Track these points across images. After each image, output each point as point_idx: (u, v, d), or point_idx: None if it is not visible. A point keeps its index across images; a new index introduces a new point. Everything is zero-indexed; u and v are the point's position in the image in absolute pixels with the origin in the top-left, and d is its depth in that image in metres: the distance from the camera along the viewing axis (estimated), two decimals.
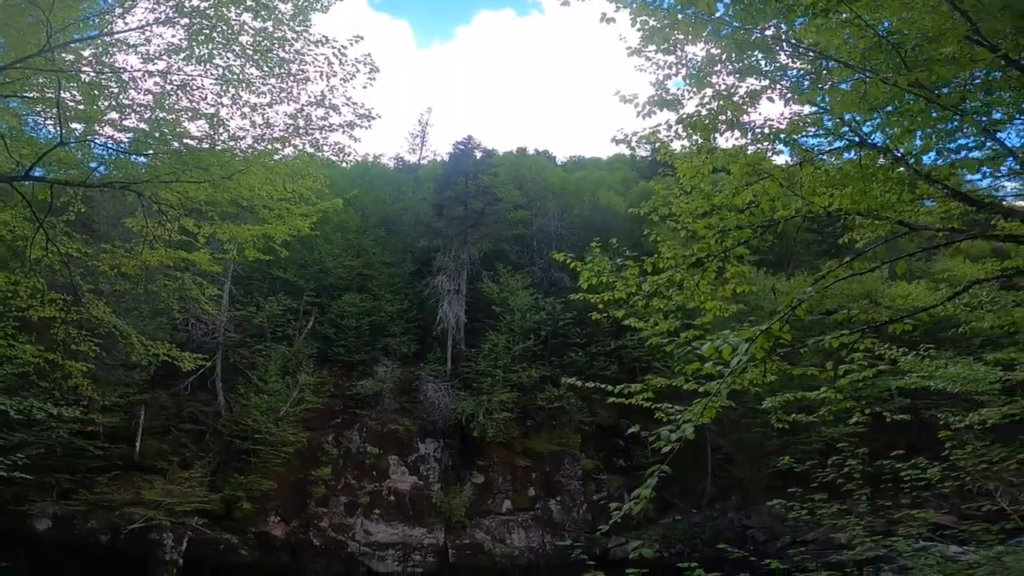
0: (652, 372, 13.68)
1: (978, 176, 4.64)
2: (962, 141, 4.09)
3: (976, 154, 4.14)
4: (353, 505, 18.17)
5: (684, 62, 4.19)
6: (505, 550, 18.36)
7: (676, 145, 4.77)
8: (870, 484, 5.17)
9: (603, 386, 4.00)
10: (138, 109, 6.32)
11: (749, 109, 4.21)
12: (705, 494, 19.82)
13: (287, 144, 7.09)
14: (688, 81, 4.19)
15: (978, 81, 3.76)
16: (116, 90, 6.05)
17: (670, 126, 4.38)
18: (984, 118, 3.73)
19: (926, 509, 5.58)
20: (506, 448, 19.99)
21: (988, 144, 4.03)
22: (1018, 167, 4.33)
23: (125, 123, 6.51)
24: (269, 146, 7.02)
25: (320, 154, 7.37)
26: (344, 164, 8.52)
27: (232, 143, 6.82)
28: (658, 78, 4.24)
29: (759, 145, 4.58)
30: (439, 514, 18.30)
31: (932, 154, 4.18)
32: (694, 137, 4.52)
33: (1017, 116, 3.98)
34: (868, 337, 3.59)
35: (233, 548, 16.43)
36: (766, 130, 4.37)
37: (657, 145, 4.79)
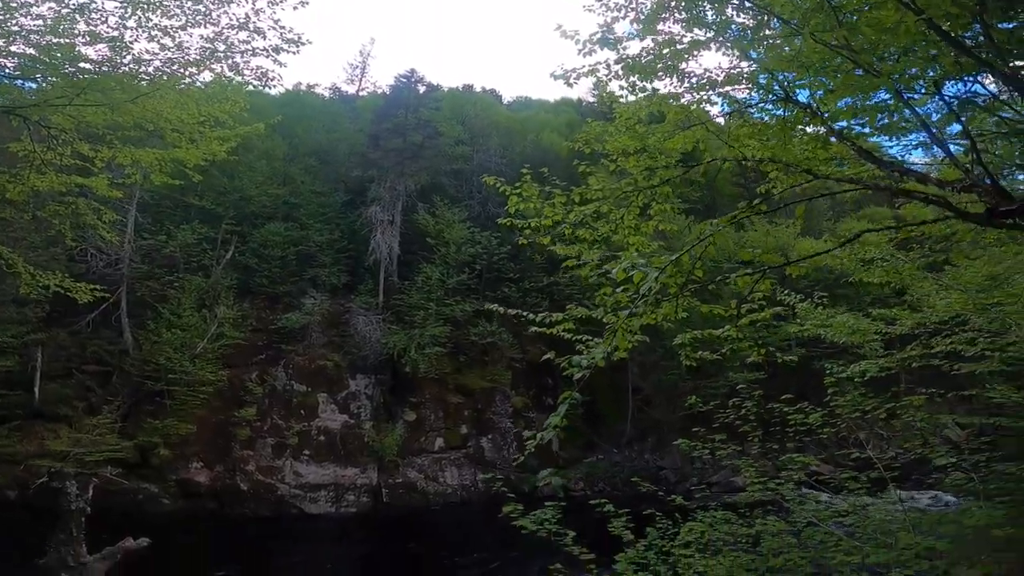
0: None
1: (891, 143, 5.15)
2: (879, 99, 4.52)
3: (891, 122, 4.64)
4: (281, 446, 18.05)
5: (634, 6, 4.30)
6: (438, 488, 19.00)
7: (615, 85, 4.91)
8: (763, 427, 5.74)
9: (525, 314, 4.21)
10: (27, 35, 5.78)
11: (689, 58, 4.42)
12: (625, 435, 21.47)
13: (203, 68, 6.73)
14: (636, 25, 4.31)
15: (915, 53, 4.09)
16: (1, 16, 5.49)
17: (609, 66, 4.49)
18: (902, 85, 4.10)
19: (807, 454, 6.28)
20: (439, 384, 20.41)
21: (907, 113, 4.46)
22: (928, 138, 4.78)
23: (12, 49, 5.96)
24: (181, 70, 6.65)
25: (240, 79, 7.06)
26: (270, 91, 8.18)
27: (137, 67, 6.40)
28: (606, 20, 4.31)
29: (695, 94, 4.84)
30: (371, 453, 18.57)
31: (853, 121, 4.63)
32: (632, 78, 4.71)
33: (937, 93, 4.36)
34: (769, 278, 4.01)
35: (153, 497, 16.06)
36: (704, 80, 4.62)
37: (595, 82, 4.92)
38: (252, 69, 6.82)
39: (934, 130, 4.48)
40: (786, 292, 6.67)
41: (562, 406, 2.60)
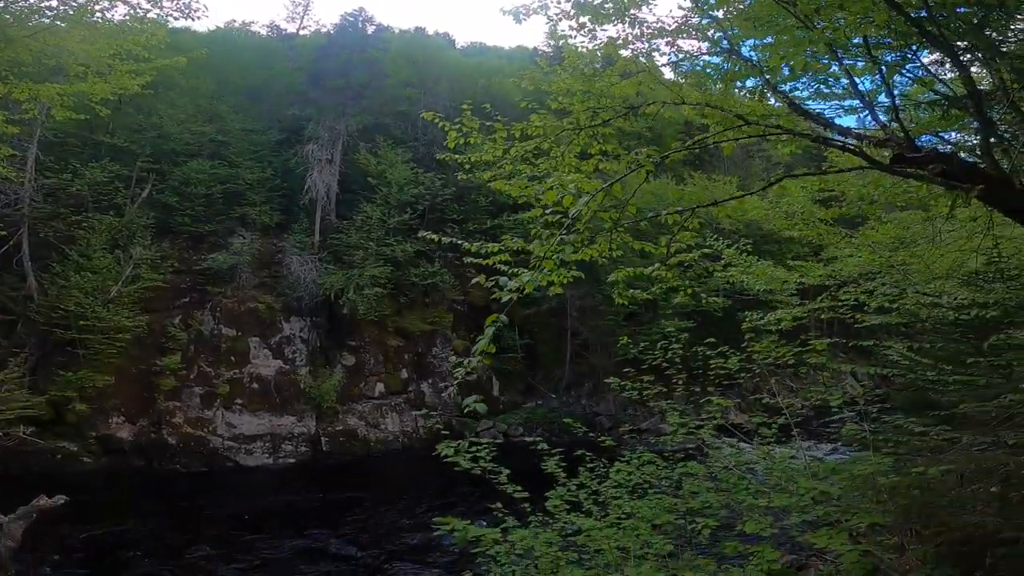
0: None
1: (823, 106, 5.34)
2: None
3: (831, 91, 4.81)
4: (210, 396, 17.34)
5: None
6: (379, 435, 18.91)
7: (565, 25, 4.85)
8: (687, 371, 6.12)
9: (460, 242, 4.18)
10: None
11: (643, 3, 4.39)
12: (563, 380, 22.32)
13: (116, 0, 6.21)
14: None
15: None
16: None
17: (560, 3, 4.44)
18: (840, 51, 4.22)
19: (726, 398, 6.75)
20: (378, 327, 20.18)
21: (843, 83, 4.60)
22: (859, 105, 4.97)
23: None
24: (91, 4, 6.21)
25: (160, 11, 6.62)
26: (196, 26, 7.63)
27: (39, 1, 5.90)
28: None
29: (646, 42, 4.82)
30: (309, 400, 18.25)
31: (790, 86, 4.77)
32: (583, 19, 4.62)
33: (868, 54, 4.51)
34: (698, 218, 4.17)
35: (73, 456, 15.12)
36: (655, 29, 4.60)
37: (548, 24, 4.84)
38: (173, 1, 6.45)
39: (863, 90, 4.70)
40: (715, 237, 7.01)
41: (489, 329, 2.59)
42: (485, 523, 4.86)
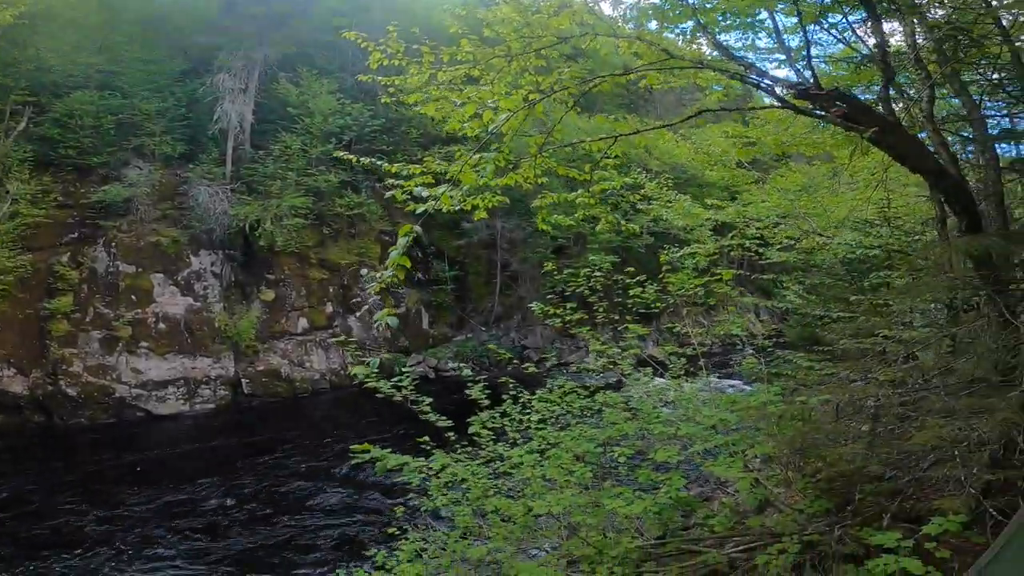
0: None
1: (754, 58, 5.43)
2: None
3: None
4: (111, 340, 15.87)
5: None
6: (305, 374, 18.36)
7: None
8: (608, 300, 6.45)
9: (379, 162, 4.02)
10: None
11: None
12: (493, 313, 22.76)
13: None
14: None
15: None
16: None
17: None
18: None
19: (643, 325, 7.12)
20: (299, 259, 19.37)
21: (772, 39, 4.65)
22: (787, 63, 5.08)
23: None
24: None
25: None
26: None
27: None
28: None
29: None
30: (225, 340, 17.33)
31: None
32: None
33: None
34: (620, 147, 4.25)
35: None
36: None
37: None
38: None
39: (789, 47, 4.86)
40: (639, 170, 7.23)
41: (402, 240, 2.58)
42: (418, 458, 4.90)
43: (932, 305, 4.73)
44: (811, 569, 3.65)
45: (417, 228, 2.55)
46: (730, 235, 8.31)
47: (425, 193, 2.76)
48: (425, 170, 3.78)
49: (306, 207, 18.77)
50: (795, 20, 4.66)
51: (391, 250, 2.60)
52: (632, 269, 6.38)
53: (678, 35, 5.37)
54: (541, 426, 5.61)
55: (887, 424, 3.93)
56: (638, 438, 5.43)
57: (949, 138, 5.18)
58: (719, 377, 11.45)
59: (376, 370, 3.84)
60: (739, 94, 4.72)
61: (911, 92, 5.52)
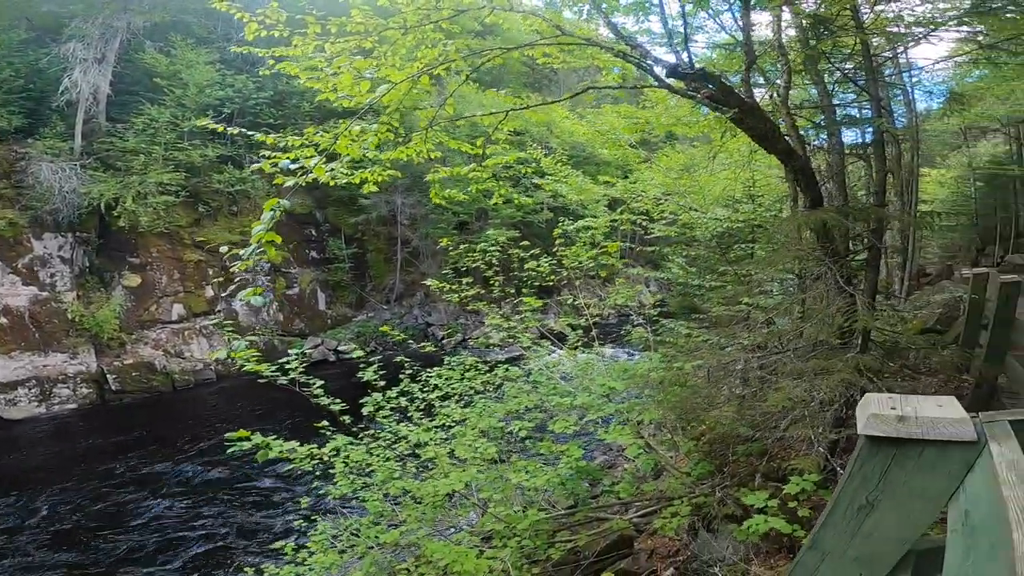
0: None
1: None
2: None
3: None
4: None
5: None
6: (185, 365, 16.77)
7: None
8: (505, 274, 6.55)
9: (251, 133, 3.73)
10: None
11: None
12: (394, 291, 22.25)
13: None
14: None
15: None
16: None
17: None
18: None
19: (542, 299, 7.29)
20: (170, 240, 17.59)
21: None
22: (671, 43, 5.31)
23: None
24: None
25: None
26: None
27: None
28: None
29: None
30: (82, 332, 15.35)
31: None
32: None
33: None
34: (519, 123, 4.30)
35: None
36: None
37: None
38: None
39: (672, 30, 5.13)
40: (535, 147, 7.36)
41: (266, 214, 2.44)
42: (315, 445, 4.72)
43: (788, 275, 5.34)
44: (704, 531, 4.03)
45: (284, 202, 2.40)
46: (619, 210, 8.76)
47: (293, 166, 2.58)
48: (306, 142, 3.57)
49: (177, 183, 17.06)
50: (690, 5, 4.94)
51: (254, 225, 2.42)
52: (526, 243, 6.51)
53: (576, 14, 5.49)
54: (444, 404, 5.64)
55: (752, 387, 4.40)
56: (540, 411, 5.57)
57: (808, 123, 5.83)
58: (614, 347, 12.17)
59: (257, 303, 3.57)
60: (636, 76, 4.91)
61: (777, 79, 6.06)
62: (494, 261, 6.41)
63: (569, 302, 7.57)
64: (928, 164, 17.06)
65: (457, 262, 6.84)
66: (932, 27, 4.76)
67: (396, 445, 5.07)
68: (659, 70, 3.96)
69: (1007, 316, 4.50)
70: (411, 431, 5.09)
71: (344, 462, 4.79)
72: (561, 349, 6.66)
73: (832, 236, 4.23)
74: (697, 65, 4.57)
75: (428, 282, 6.32)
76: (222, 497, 10.06)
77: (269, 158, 3.75)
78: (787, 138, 4.06)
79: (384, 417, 5.21)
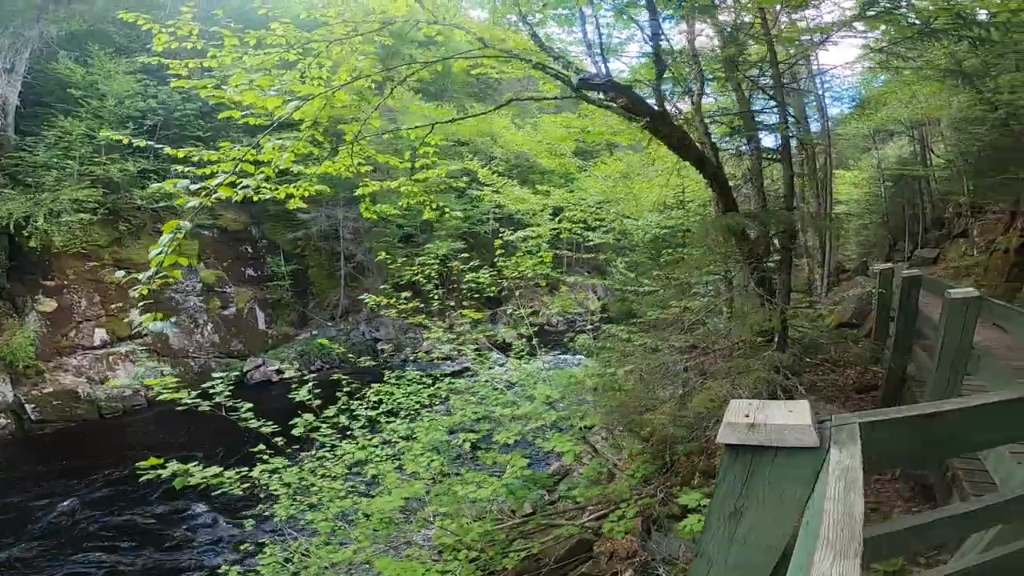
0: None
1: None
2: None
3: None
4: None
5: None
6: (111, 392, 15.54)
7: None
8: (445, 287, 6.50)
9: (157, 145, 3.55)
10: None
11: None
12: (339, 307, 21.66)
13: None
14: None
15: None
16: None
17: None
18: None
19: (487, 309, 7.33)
20: (88, 260, 16.46)
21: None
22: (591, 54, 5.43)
23: None
24: None
25: None
26: None
27: None
28: None
29: None
30: None
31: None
32: None
33: None
34: (438, 135, 4.28)
35: None
36: None
37: None
38: None
39: (591, 41, 5.27)
40: (471, 157, 7.36)
41: (165, 237, 2.32)
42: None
43: (716, 276, 5.55)
44: (656, 531, 4.10)
45: (185, 224, 2.28)
46: (557, 219, 8.89)
47: (194, 186, 2.46)
48: (224, 156, 3.41)
49: (94, 200, 16.02)
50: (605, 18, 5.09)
51: (152, 248, 2.29)
52: (466, 255, 6.49)
53: (509, 27, 5.52)
54: (391, 419, 5.55)
55: (687, 387, 4.54)
56: (488, 421, 5.56)
57: (728, 129, 6.10)
58: (557, 354, 12.32)
59: (156, 330, 3.34)
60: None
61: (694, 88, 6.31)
62: (433, 274, 6.36)
63: (510, 312, 7.61)
64: (843, 166, 18.30)
65: (398, 276, 6.73)
66: (825, 34, 5.09)
67: (339, 464, 4.96)
68: (574, 79, 4.05)
69: (910, 308, 4.83)
70: (347, 450, 4.98)
71: (286, 484, 4.66)
72: (507, 359, 6.66)
73: (749, 238, 4.43)
74: (626, 76, 4.74)
75: (363, 298, 6.19)
76: (154, 529, 9.43)
77: (181, 175, 3.58)
78: (701, 145, 4.23)
79: (325, 436, 5.08)
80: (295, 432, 4.89)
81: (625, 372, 4.49)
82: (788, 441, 0.88)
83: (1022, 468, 2.45)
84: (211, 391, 4.47)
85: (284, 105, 2.96)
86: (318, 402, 5.16)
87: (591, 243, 9.48)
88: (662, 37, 4.08)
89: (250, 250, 20.11)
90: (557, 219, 8.82)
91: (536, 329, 6.90)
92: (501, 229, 8.43)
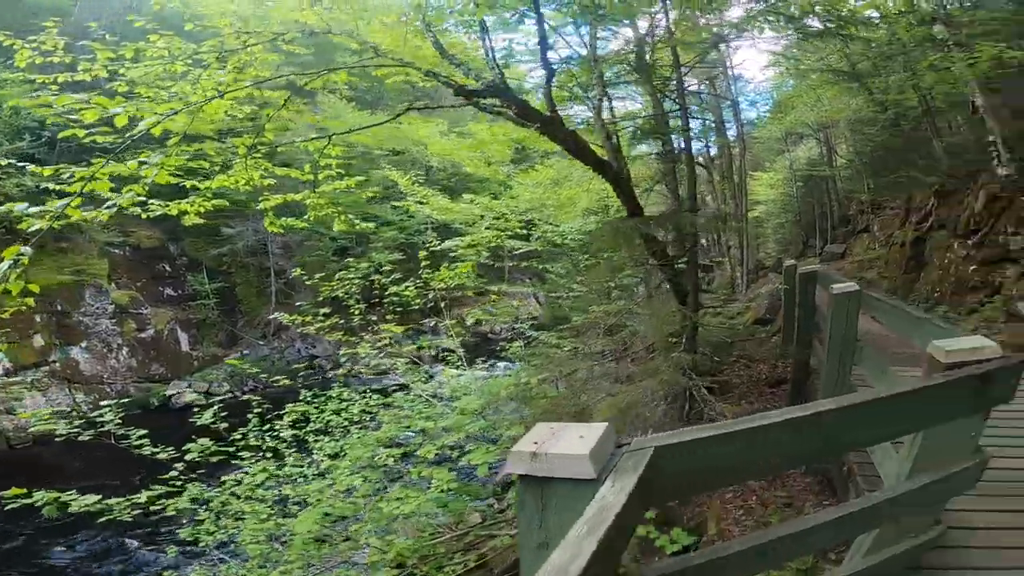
0: None
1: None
2: None
3: None
4: None
5: None
6: (19, 422, 14.53)
7: None
8: (368, 300, 6.37)
9: (22, 164, 3.28)
10: None
11: None
12: (271, 324, 20.75)
13: None
14: None
15: None
16: None
17: None
18: None
19: (403, 323, 7.14)
20: None
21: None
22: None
23: None
24: None
25: None
26: None
27: None
28: None
29: None
30: None
31: None
32: None
33: None
34: (338, 145, 4.15)
35: None
36: None
37: None
38: None
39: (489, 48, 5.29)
40: (390, 167, 7.21)
41: (3, 264, 2.11)
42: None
43: (634, 280, 5.68)
44: None
45: (26, 249, 2.08)
46: (484, 228, 8.87)
47: (31, 209, 2.26)
48: (97, 175, 3.15)
49: None
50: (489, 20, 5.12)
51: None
52: (389, 268, 6.36)
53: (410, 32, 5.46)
54: (319, 438, 5.39)
55: (612, 392, 4.60)
56: (420, 435, 5.47)
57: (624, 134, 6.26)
58: (495, 363, 12.33)
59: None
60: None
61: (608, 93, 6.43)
62: (354, 289, 6.19)
63: (453, 323, 7.54)
64: (761, 168, 19.35)
65: (319, 293, 6.53)
66: (719, 37, 5.32)
67: (249, 487, 4.81)
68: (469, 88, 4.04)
69: (808, 303, 5.07)
70: (270, 471, 4.80)
71: (206, 507, 4.59)
72: (440, 371, 6.61)
73: (658, 241, 4.55)
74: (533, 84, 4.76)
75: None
76: (70, 565, 8.72)
77: (63, 193, 3.30)
78: (603, 150, 4.31)
79: (244, 459, 4.97)
80: (188, 457, 4.74)
81: (538, 380, 4.50)
82: (565, 471, 0.84)
83: (892, 462, 2.50)
84: (100, 419, 4.22)
85: (137, 122, 2.76)
86: (225, 425, 5.02)
87: (519, 251, 9.51)
88: (550, 47, 4.15)
89: (168, 268, 18.96)
90: (483, 228, 8.79)
91: (478, 339, 6.89)
92: (438, 239, 8.34)
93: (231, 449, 4.98)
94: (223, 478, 4.84)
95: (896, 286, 8.95)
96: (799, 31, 5.45)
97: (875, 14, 8.37)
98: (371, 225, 6.49)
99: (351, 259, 18.51)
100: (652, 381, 3.47)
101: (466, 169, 20.87)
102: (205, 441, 4.69)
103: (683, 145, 5.43)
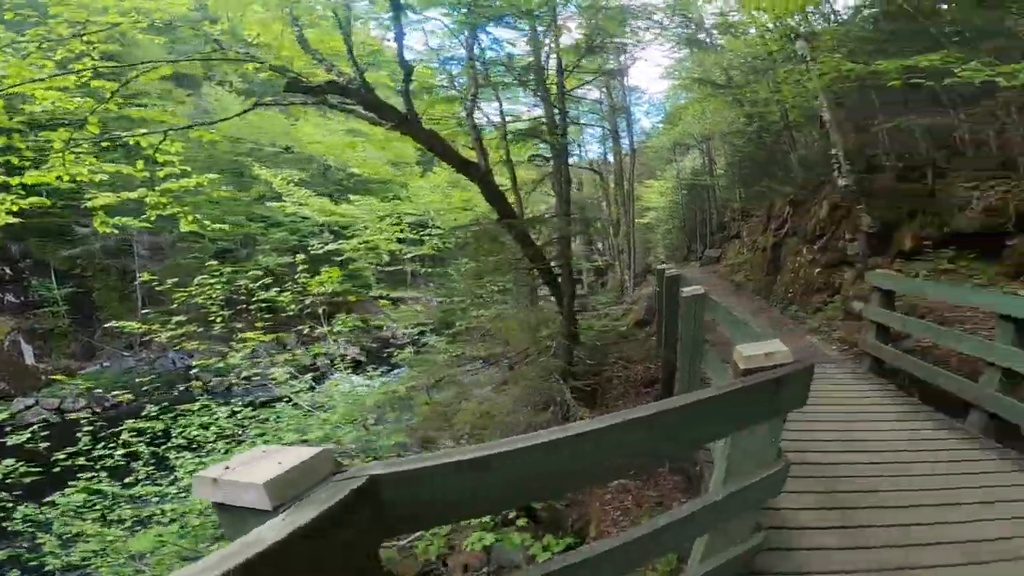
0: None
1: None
2: None
3: None
4: None
5: None
6: None
7: None
8: (230, 307, 5.99)
9: None
10: None
11: None
12: (137, 334, 18.80)
13: None
14: None
15: None
16: None
17: None
18: None
19: (273, 331, 6.82)
20: None
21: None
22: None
23: None
24: None
25: None
26: None
27: None
28: None
29: None
30: None
31: None
32: None
33: None
34: (173, 138, 3.87)
35: None
36: None
37: None
38: None
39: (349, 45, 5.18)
40: (258, 166, 6.81)
41: None
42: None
43: (506, 283, 5.76)
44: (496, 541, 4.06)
45: None
46: (368, 231, 8.64)
47: None
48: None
49: None
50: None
51: None
52: (259, 273, 5.99)
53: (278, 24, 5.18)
54: (181, 455, 5.04)
55: (477, 397, 4.60)
56: (281, 436, 5.22)
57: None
58: (390, 369, 12.08)
59: None
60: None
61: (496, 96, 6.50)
62: (217, 295, 5.77)
63: (337, 330, 7.23)
64: (654, 177, 20.60)
65: (175, 299, 6.01)
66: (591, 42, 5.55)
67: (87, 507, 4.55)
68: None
69: (673, 305, 5.41)
70: (67, 494, 4.39)
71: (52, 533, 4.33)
72: (327, 380, 6.39)
73: (533, 245, 4.63)
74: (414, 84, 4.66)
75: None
76: None
77: None
78: (472, 151, 4.33)
79: (90, 479, 4.65)
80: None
81: (406, 389, 4.42)
82: (239, 500, 0.78)
83: (716, 469, 2.55)
84: None
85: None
86: (43, 445, 4.53)
87: (410, 255, 9.35)
88: (405, 46, 4.11)
89: (8, 272, 16.60)
90: (368, 231, 8.53)
91: (379, 344, 6.68)
92: (334, 242, 7.96)
93: (56, 470, 4.52)
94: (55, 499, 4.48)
95: (760, 288, 9.87)
96: (687, 43, 5.82)
97: (752, 30, 9.15)
98: (258, 226, 6.09)
99: (230, 263, 17.44)
100: (516, 388, 3.51)
101: (360, 172, 20.35)
102: (9, 461, 4.22)
103: (554, 151, 5.60)
